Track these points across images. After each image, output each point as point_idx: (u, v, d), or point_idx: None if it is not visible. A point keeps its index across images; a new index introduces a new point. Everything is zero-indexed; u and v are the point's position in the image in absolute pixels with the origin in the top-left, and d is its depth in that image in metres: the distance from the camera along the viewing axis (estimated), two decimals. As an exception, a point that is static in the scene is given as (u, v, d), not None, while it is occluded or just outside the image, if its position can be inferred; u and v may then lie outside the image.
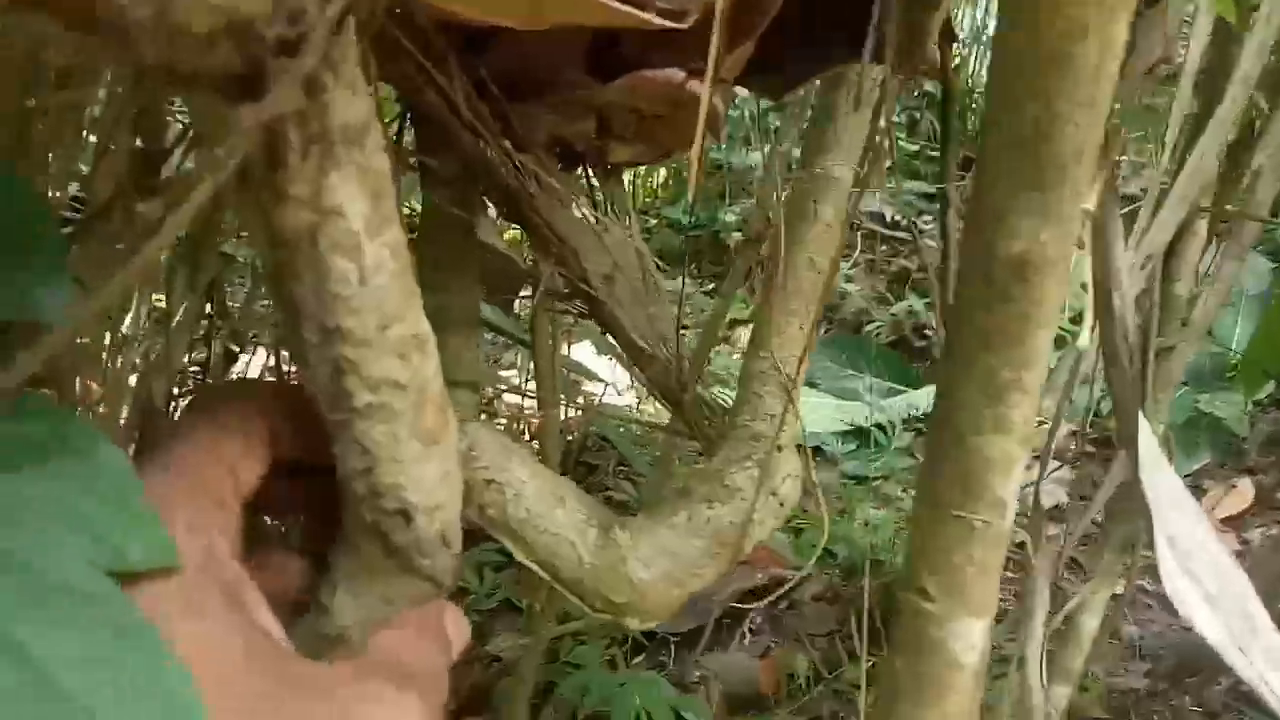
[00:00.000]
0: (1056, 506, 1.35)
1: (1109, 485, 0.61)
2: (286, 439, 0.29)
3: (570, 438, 1.46)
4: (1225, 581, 0.40)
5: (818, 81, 0.47)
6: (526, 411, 1.55)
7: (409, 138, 0.40)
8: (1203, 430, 1.56)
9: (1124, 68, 0.28)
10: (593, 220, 0.42)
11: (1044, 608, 0.49)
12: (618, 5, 0.28)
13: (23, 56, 0.33)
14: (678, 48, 0.33)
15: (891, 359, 2.09)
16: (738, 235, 2.53)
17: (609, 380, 1.56)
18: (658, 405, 1.61)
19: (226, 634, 0.23)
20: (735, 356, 2.06)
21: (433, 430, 0.27)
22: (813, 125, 0.47)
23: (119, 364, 0.54)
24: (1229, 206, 0.62)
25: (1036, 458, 0.48)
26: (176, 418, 0.30)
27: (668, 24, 0.30)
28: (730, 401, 0.45)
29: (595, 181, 0.46)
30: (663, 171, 2.83)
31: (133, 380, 0.57)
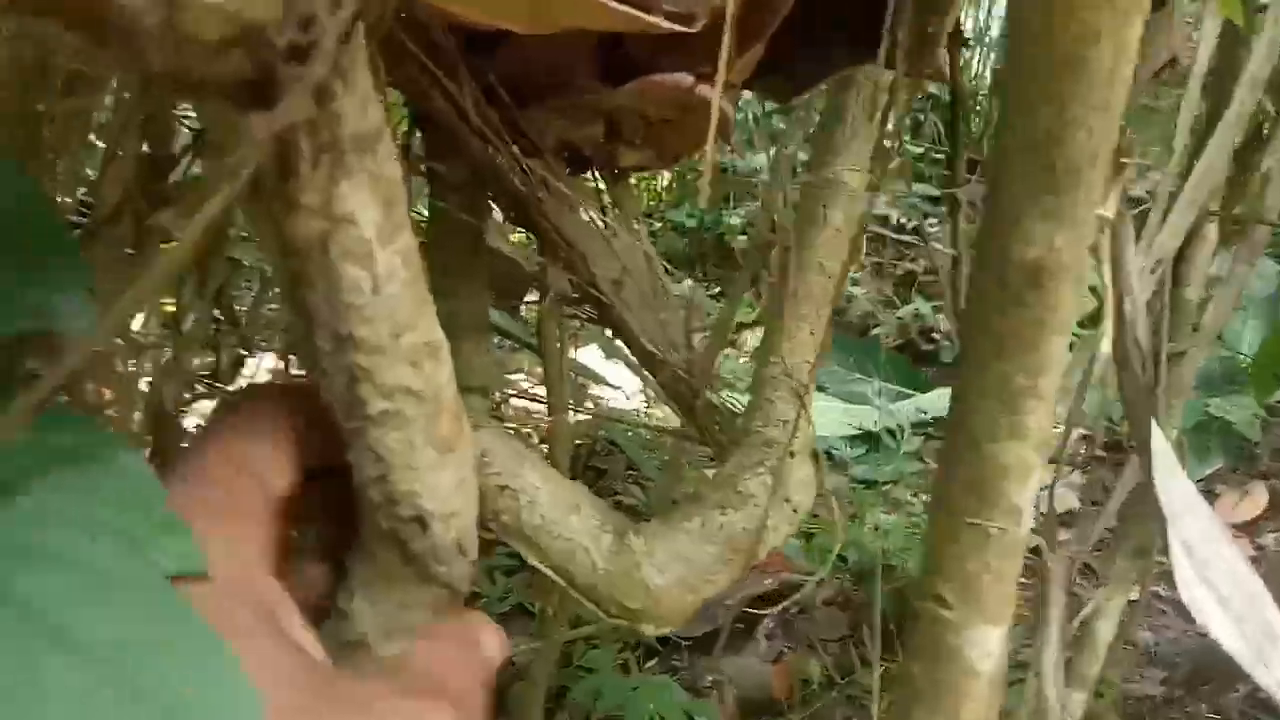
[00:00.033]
0: (1068, 511, 1.34)
1: (1122, 490, 0.61)
2: (314, 444, 0.29)
3: (579, 442, 1.46)
4: (1241, 587, 0.40)
5: (825, 84, 0.47)
6: (534, 416, 1.55)
7: (416, 143, 0.40)
8: (1214, 435, 1.56)
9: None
10: (601, 225, 0.41)
11: (1059, 614, 0.48)
12: (625, 9, 0.28)
13: (32, 62, 0.33)
14: (686, 51, 0.33)
15: (899, 362, 2.08)
16: (742, 238, 2.53)
17: (617, 384, 1.56)
18: (665, 409, 1.61)
19: (259, 651, 0.23)
20: (742, 360, 2.06)
21: (448, 438, 0.27)
22: (821, 129, 0.47)
23: (130, 369, 0.54)
24: (1238, 210, 0.61)
25: (1050, 462, 0.48)
26: (202, 426, 0.29)
27: (676, 27, 0.30)
28: (738, 405, 0.45)
29: (603, 186, 0.46)
30: (666, 174, 2.83)
31: (144, 385, 0.57)
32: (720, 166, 2.59)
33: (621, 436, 1.46)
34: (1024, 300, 0.30)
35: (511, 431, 0.38)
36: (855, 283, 2.40)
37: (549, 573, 0.36)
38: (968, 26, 2.45)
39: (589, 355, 1.65)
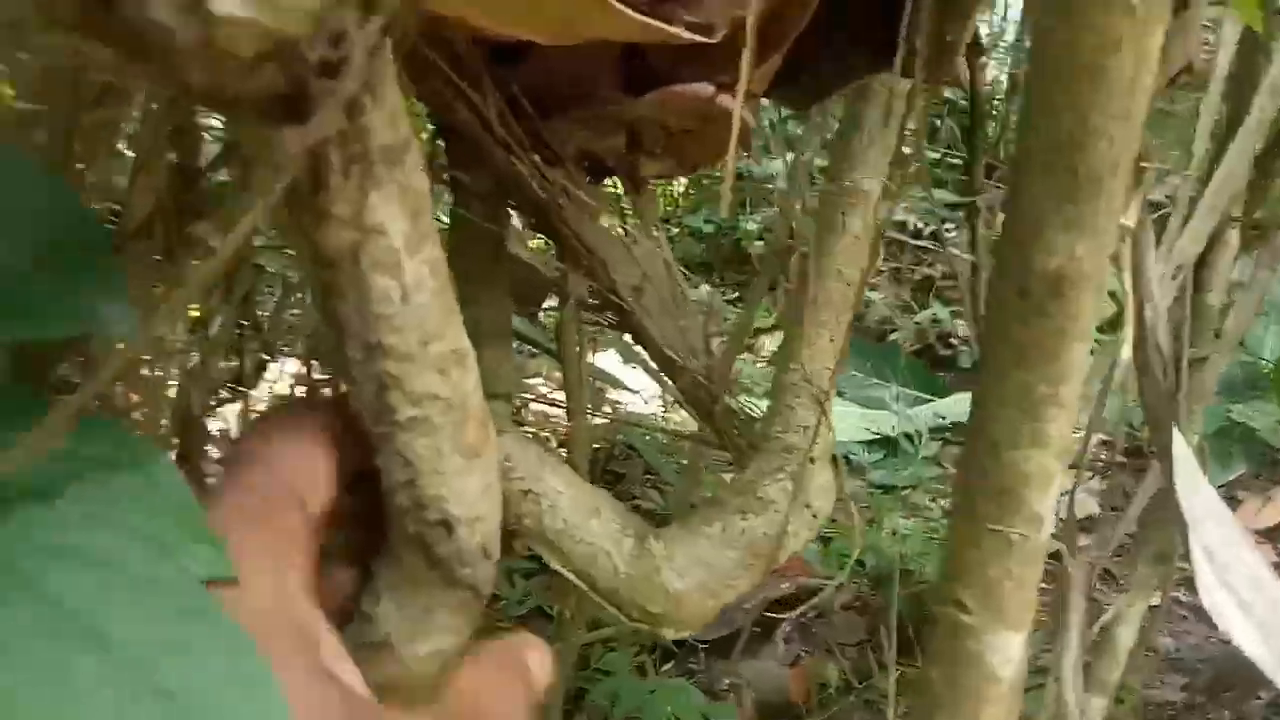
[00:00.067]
0: (1088, 517, 1.34)
1: (1142, 496, 0.61)
2: (349, 457, 0.28)
3: (597, 446, 1.46)
4: (1263, 593, 0.39)
5: (843, 92, 0.47)
6: (553, 420, 1.56)
7: (438, 153, 0.41)
8: (1236, 440, 1.54)
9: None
10: (621, 232, 0.42)
11: (1080, 620, 0.48)
12: (647, 20, 0.29)
13: (65, 75, 0.33)
14: (707, 61, 0.33)
15: (917, 367, 2.08)
16: (759, 243, 2.53)
17: (635, 388, 1.57)
18: (683, 414, 1.61)
19: (297, 683, 0.22)
20: (759, 365, 2.06)
21: (474, 444, 0.27)
22: (839, 137, 0.47)
23: (157, 374, 0.55)
24: (1259, 215, 0.61)
25: (1070, 468, 0.48)
26: (239, 441, 0.29)
27: (697, 38, 0.31)
28: (756, 410, 0.45)
29: (623, 193, 0.46)
30: (683, 180, 2.83)
31: (171, 390, 0.58)
32: (737, 173, 2.59)
33: (639, 441, 1.47)
34: (1045, 309, 0.30)
35: (530, 436, 0.38)
36: (873, 288, 2.40)
37: (571, 576, 0.36)
38: (983, 31, 2.44)
39: (607, 360, 1.65)
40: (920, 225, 2.46)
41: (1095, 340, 0.32)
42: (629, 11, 0.28)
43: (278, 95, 0.19)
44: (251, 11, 0.17)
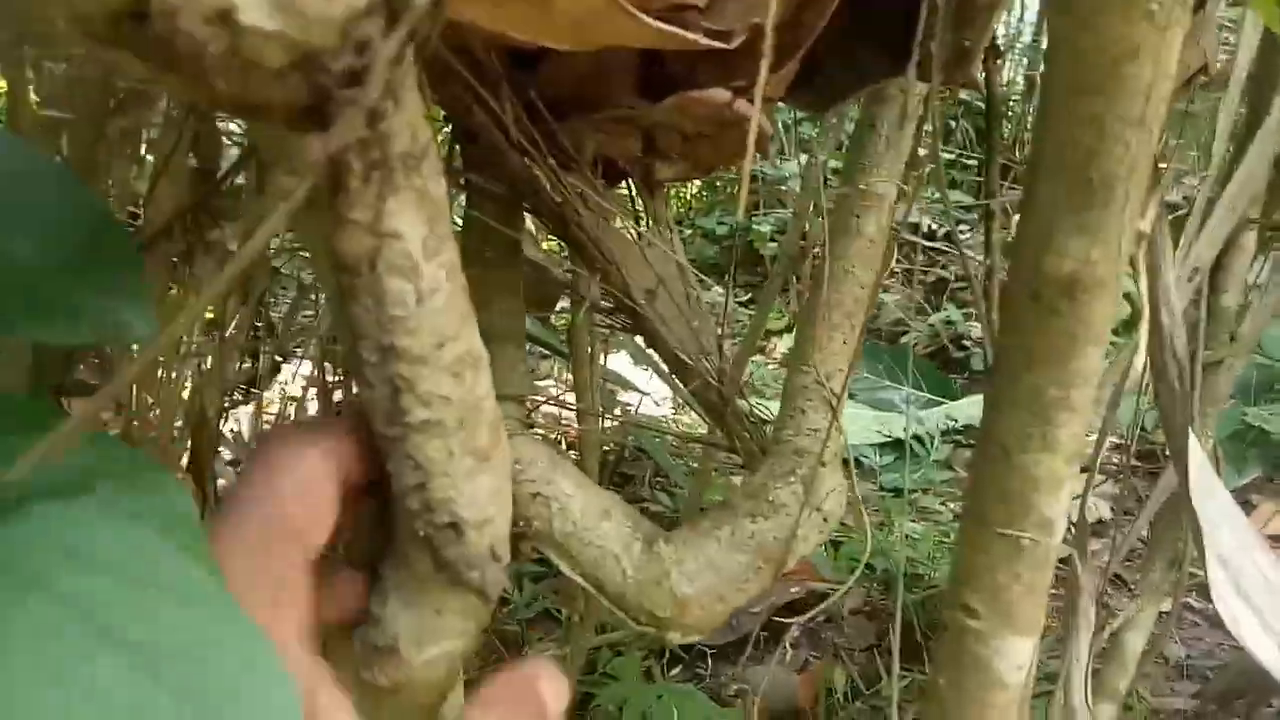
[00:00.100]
0: (1100, 521, 1.33)
1: (1155, 501, 0.61)
2: (356, 472, 0.28)
3: (607, 448, 1.47)
4: (1277, 599, 0.39)
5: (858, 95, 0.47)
6: (564, 422, 1.56)
7: (451, 155, 0.41)
8: (1251, 444, 1.53)
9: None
10: (635, 235, 0.42)
11: (1089, 626, 0.48)
12: (664, 27, 0.29)
13: (93, 83, 0.34)
14: (724, 66, 0.33)
15: (929, 370, 2.07)
16: (772, 245, 2.53)
17: (646, 391, 1.57)
18: (694, 415, 1.61)
19: None
20: (770, 367, 2.06)
21: (485, 447, 0.27)
22: (854, 140, 0.47)
23: (173, 375, 0.55)
24: (1277, 218, 0.61)
25: (1082, 471, 0.48)
26: (239, 474, 0.28)
27: (714, 44, 0.31)
28: (768, 413, 0.45)
29: (638, 196, 0.46)
30: (696, 182, 2.83)
31: (185, 392, 0.58)
32: (750, 174, 2.59)
33: (650, 443, 1.47)
34: (1058, 313, 0.30)
35: (541, 438, 0.38)
36: (886, 289, 2.39)
37: (579, 580, 0.36)
38: (999, 33, 2.43)
39: (618, 362, 1.65)
40: (934, 227, 2.45)
41: (1109, 343, 0.32)
42: (646, 18, 0.28)
43: (302, 103, 0.20)
44: (279, 24, 0.18)
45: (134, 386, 0.50)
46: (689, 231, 2.73)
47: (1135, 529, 0.62)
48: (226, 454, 1.21)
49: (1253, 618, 0.38)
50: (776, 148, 2.61)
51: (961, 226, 2.38)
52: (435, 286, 0.24)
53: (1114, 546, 0.60)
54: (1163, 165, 0.32)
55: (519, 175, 0.36)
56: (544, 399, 1.60)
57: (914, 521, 1.42)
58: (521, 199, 0.39)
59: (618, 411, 1.57)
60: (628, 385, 1.54)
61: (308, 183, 0.18)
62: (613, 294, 0.41)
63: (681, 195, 2.87)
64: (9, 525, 0.20)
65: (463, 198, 0.41)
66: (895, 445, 1.74)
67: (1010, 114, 2.60)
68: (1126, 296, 0.45)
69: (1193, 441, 0.42)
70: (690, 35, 0.30)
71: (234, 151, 0.48)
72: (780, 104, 0.43)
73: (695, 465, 1.36)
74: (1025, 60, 2.82)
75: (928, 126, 0.45)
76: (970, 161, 2.61)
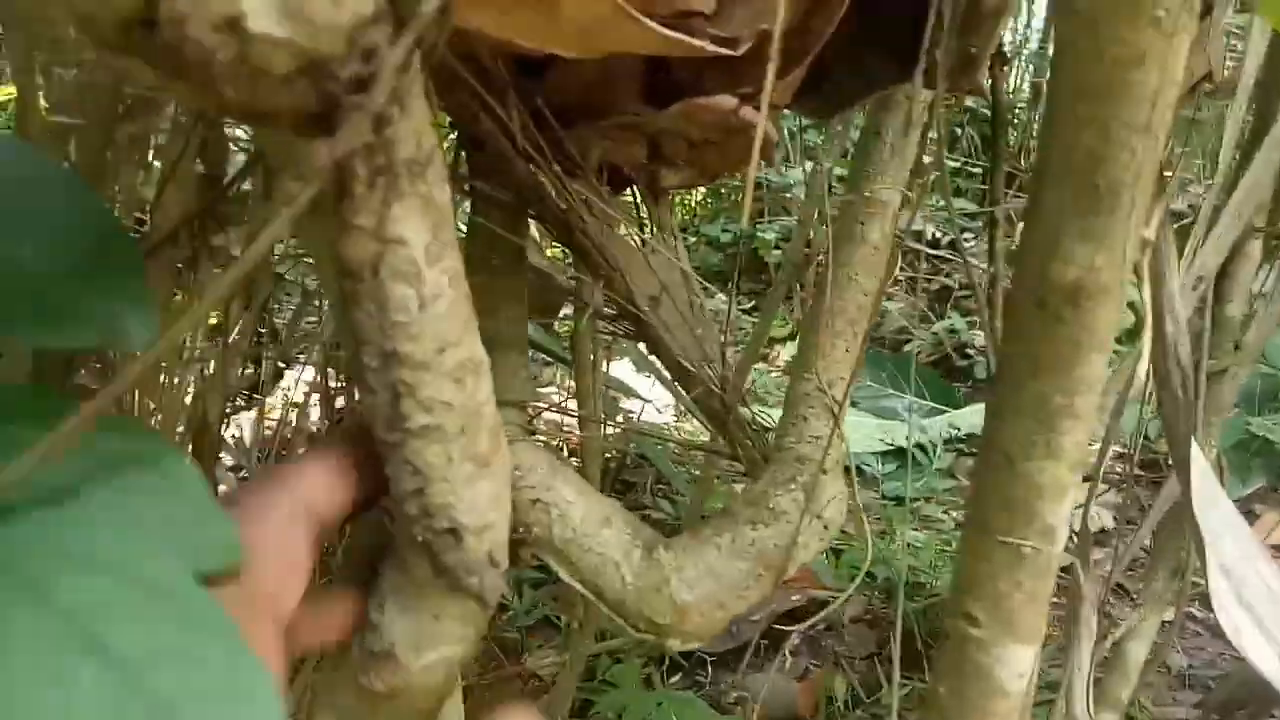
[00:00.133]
0: (1103, 530, 1.33)
1: (1158, 510, 0.61)
2: (336, 505, 0.28)
3: (609, 455, 1.46)
4: (1279, 609, 0.39)
5: (864, 103, 0.47)
6: (566, 429, 1.56)
7: (457, 162, 0.41)
8: (1255, 454, 1.53)
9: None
10: (639, 242, 0.42)
11: (1090, 634, 0.48)
12: (670, 33, 0.29)
13: (102, 90, 0.34)
14: (731, 73, 0.33)
15: (933, 378, 2.07)
16: (776, 253, 2.53)
17: (648, 398, 1.57)
18: (696, 423, 1.61)
19: None
20: (773, 374, 2.06)
21: (485, 453, 0.27)
22: (860, 147, 0.47)
23: (175, 380, 0.56)
24: (1283, 227, 0.61)
25: (1086, 480, 0.48)
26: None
27: (720, 51, 0.31)
28: (770, 421, 0.45)
29: (642, 203, 0.46)
30: (701, 189, 2.84)
31: (187, 396, 0.58)
32: (756, 182, 2.59)
33: (652, 450, 1.47)
34: (1062, 320, 0.30)
35: (542, 444, 0.38)
36: (890, 297, 2.39)
37: (578, 586, 0.36)
38: (1005, 40, 2.43)
39: (620, 369, 1.65)
40: (938, 235, 2.45)
41: (1114, 351, 0.32)
42: (652, 25, 0.28)
43: (309, 110, 0.20)
44: (287, 31, 0.18)
45: (135, 391, 0.50)
46: (693, 239, 2.73)
47: (1138, 538, 0.62)
48: (228, 460, 1.21)
49: (1254, 628, 0.38)
50: (782, 155, 2.62)
51: (966, 234, 2.38)
52: (438, 292, 0.24)
53: (1116, 556, 0.60)
54: (1168, 174, 0.32)
55: (524, 182, 0.36)
56: (547, 405, 1.60)
57: (916, 530, 1.42)
58: (527, 206, 0.39)
59: (620, 419, 1.57)
60: (630, 393, 1.54)
61: (313, 188, 0.18)
62: (616, 301, 0.41)
63: (686, 202, 2.87)
64: (9, 525, 0.20)
65: (468, 204, 0.41)
66: (898, 453, 1.73)
67: (1016, 122, 2.60)
68: (1131, 305, 0.45)
69: (1195, 451, 0.42)
70: (696, 42, 0.30)
71: (241, 158, 0.48)
72: (786, 111, 0.43)
73: (697, 473, 1.36)
74: (1031, 68, 2.82)
75: (933, 134, 0.45)
76: (976, 169, 2.62)
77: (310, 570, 0.27)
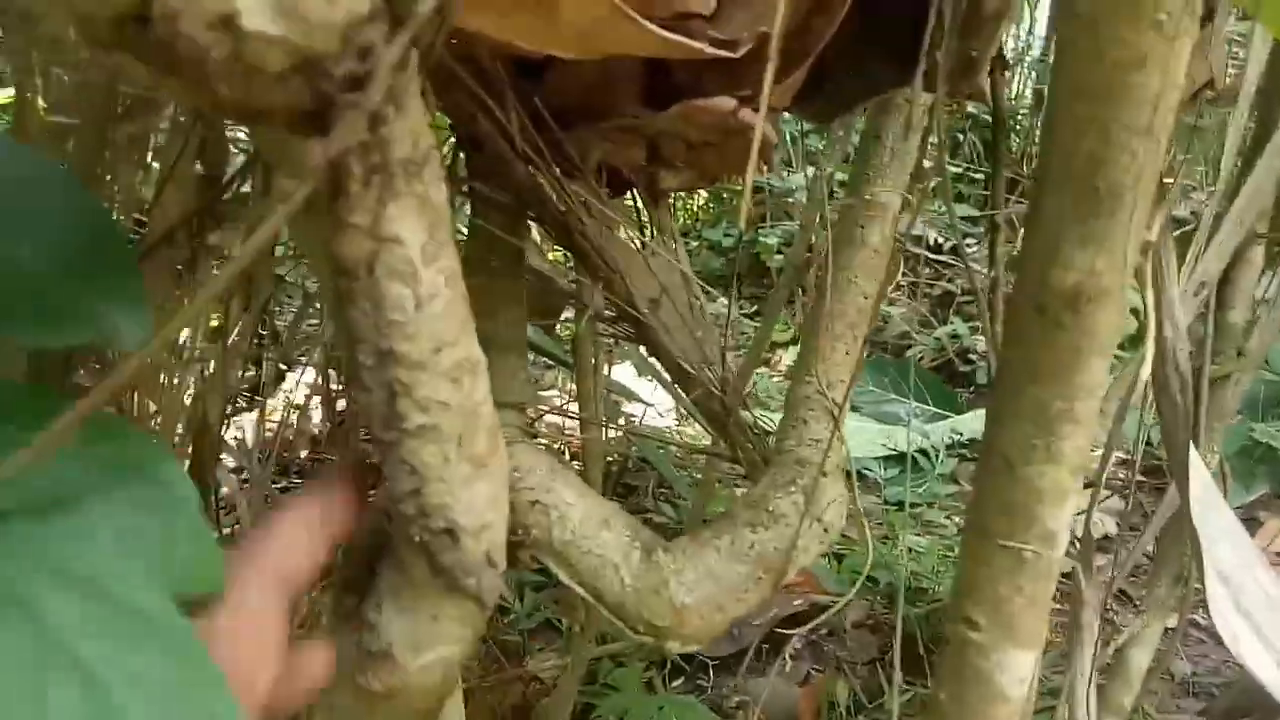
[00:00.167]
0: (1105, 536, 1.32)
1: (1160, 516, 0.60)
2: (315, 563, 0.28)
3: (611, 459, 1.46)
4: (1278, 617, 0.39)
5: (866, 107, 0.47)
6: (567, 432, 1.56)
7: (458, 164, 0.41)
8: (1258, 461, 1.53)
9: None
10: (639, 245, 0.42)
11: (1092, 641, 0.48)
12: (669, 35, 0.29)
13: (99, 89, 0.34)
14: (730, 74, 0.33)
15: (935, 383, 2.07)
16: (779, 257, 2.53)
17: (650, 401, 1.57)
18: (698, 427, 1.61)
19: None
20: (775, 379, 2.06)
21: (482, 453, 0.27)
22: (860, 151, 0.47)
23: (176, 382, 0.56)
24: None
25: (1088, 486, 0.48)
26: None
27: (720, 53, 0.31)
28: (771, 424, 0.45)
29: (642, 206, 0.46)
30: (704, 193, 2.84)
31: (188, 398, 0.58)
32: (757, 186, 2.60)
33: (654, 454, 1.46)
34: (1062, 324, 0.30)
35: (543, 447, 0.38)
36: (892, 303, 2.39)
37: (577, 588, 0.36)
38: (1008, 46, 2.44)
39: (623, 372, 1.65)
40: (940, 240, 2.45)
41: (1116, 357, 0.32)
42: (651, 26, 0.28)
43: (304, 108, 0.20)
44: (281, 29, 0.18)
45: (136, 392, 0.50)
46: (695, 243, 2.73)
47: (1140, 544, 0.62)
48: (230, 461, 1.22)
49: (1253, 635, 0.38)
50: (783, 159, 2.62)
51: (968, 240, 2.38)
52: (434, 292, 0.24)
53: (1119, 562, 0.60)
54: (1169, 180, 0.31)
55: (523, 184, 0.36)
56: (548, 409, 1.60)
57: (918, 535, 1.42)
58: (526, 208, 0.39)
59: (621, 422, 1.57)
60: (632, 396, 1.54)
61: (308, 186, 0.18)
62: (616, 303, 0.41)
63: (688, 207, 2.87)
64: (1, 536, 0.20)
65: (469, 207, 0.41)
66: (900, 459, 1.73)
67: (1019, 128, 2.60)
68: (1133, 312, 0.45)
69: (1194, 456, 0.42)
70: (696, 44, 0.30)
71: (241, 158, 0.48)
72: (788, 115, 0.43)
73: (699, 476, 1.35)
74: (1034, 74, 2.82)
75: (933, 138, 0.45)
76: (978, 175, 2.61)
77: (284, 643, 0.27)
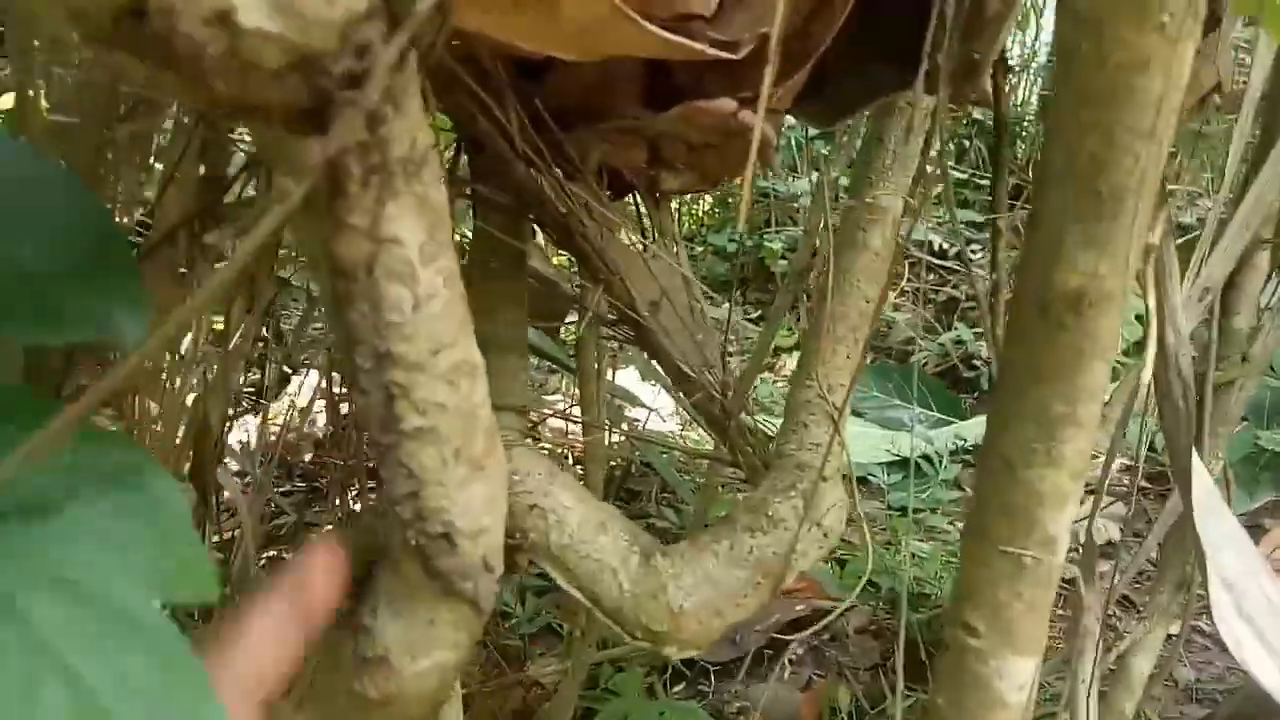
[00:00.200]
0: (1109, 542, 1.32)
1: (1163, 522, 0.60)
2: (288, 658, 0.28)
3: (614, 463, 1.46)
4: (1283, 623, 0.39)
5: (868, 110, 0.47)
6: (571, 436, 1.56)
7: (461, 166, 0.41)
8: (1263, 467, 1.52)
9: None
10: (640, 248, 0.42)
11: (1093, 648, 0.48)
12: (670, 36, 0.29)
13: (100, 88, 0.34)
14: (731, 76, 0.33)
15: (939, 389, 2.06)
16: (783, 262, 2.53)
17: (653, 406, 1.57)
18: (701, 432, 1.61)
19: None
20: (779, 384, 2.06)
21: (480, 456, 0.27)
22: (862, 154, 0.47)
23: (177, 384, 0.55)
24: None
25: (1090, 492, 0.48)
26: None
27: (721, 55, 0.31)
28: (773, 429, 0.45)
29: (644, 209, 0.46)
30: (709, 198, 2.84)
31: (189, 400, 0.58)
32: (762, 191, 2.60)
33: (657, 458, 1.46)
34: (1064, 325, 0.30)
35: (546, 451, 0.38)
36: (896, 308, 2.39)
37: (575, 593, 0.36)
38: (1015, 52, 2.44)
39: (627, 377, 1.65)
40: (945, 246, 2.45)
41: (1120, 363, 0.32)
42: (652, 28, 0.28)
43: (301, 105, 0.20)
44: (278, 25, 0.18)
45: (136, 395, 0.50)
46: (700, 248, 2.73)
47: (1144, 550, 0.62)
48: (234, 465, 1.22)
49: (1256, 641, 0.38)
50: (789, 164, 2.62)
51: (973, 246, 2.38)
52: (432, 293, 0.24)
53: (1121, 568, 0.60)
54: (1174, 187, 0.31)
55: (524, 185, 0.36)
56: (551, 412, 1.60)
57: (921, 540, 1.41)
58: (526, 209, 0.39)
59: (625, 426, 1.57)
60: (635, 401, 1.54)
61: (305, 185, 0.18)
62: (616, 305, 0.41)
63: (694, 212, 2.87)
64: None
65: (474, 211, 0.41)
66: (904, 464, 1.72)
67: (1024, 134, 2.60)
68: (1138, 318, 0.44)
69: (1197, 462, 0.41)
70: (696, 45, 0.30)
71: (243, 159, 0.48)
72: (793, 120, 0.43)
73: (702, 481, 1.35)
74: (1040, 80, 2.82)
75: (936, 140, 0.45)
76: (983, 181, 2.61)
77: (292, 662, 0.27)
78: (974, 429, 1.80)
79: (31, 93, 0.37)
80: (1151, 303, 0.41)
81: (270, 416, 1.11)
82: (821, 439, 0.40)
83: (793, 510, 0.38)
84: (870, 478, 1.67)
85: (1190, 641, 1.18)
